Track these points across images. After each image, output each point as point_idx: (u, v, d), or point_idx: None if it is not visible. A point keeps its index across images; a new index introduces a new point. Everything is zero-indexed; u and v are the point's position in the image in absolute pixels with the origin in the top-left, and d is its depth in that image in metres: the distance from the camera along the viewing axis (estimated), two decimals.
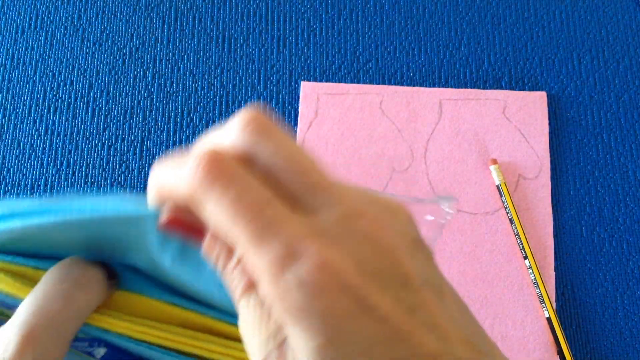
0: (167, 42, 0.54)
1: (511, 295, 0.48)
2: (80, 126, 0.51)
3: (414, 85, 0.53)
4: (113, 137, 0.51)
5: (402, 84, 0.53)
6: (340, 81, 0.53)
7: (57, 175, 0.50)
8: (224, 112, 0.52)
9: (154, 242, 0.25)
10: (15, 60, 0.53)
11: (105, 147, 0.51)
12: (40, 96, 0.52)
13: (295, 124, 0.51)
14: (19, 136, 0.51)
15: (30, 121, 0.51)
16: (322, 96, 0.52)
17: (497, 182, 0.50)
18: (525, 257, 0.48)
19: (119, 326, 0.27)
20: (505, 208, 0.49)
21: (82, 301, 0.27)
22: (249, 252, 0.18)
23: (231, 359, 0.28)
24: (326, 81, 0.53)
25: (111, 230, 0.25)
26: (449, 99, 0.53)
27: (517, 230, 0.48)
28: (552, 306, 0.47)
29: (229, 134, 0.19)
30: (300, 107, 0.52)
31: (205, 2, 0.56)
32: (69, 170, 0.50)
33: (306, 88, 0.52)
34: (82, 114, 0.52)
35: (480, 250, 0.49)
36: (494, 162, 0.50)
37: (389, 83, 0.53)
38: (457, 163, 0.51)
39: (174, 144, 0.51)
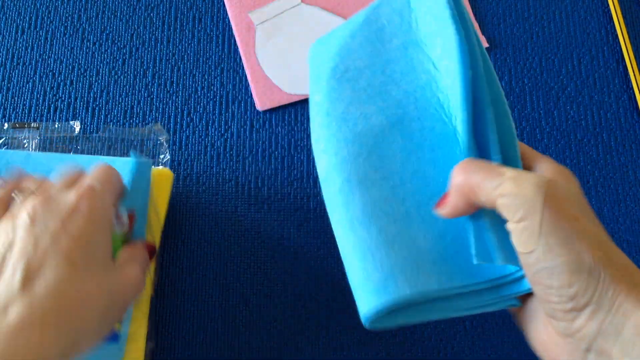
0: (167, 42, 0.54)
1: None
2: (80, 126, 0.51)
3: None
4: (113, 137, 0.51)
5: None
6: None
7: None
8: (224, 112, 0.52)
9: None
10: (15, 60, 0.53)
11: (105, 147, 0.51)
12: (40, 96, 0.52)
13: None
14: (19, 137, 0.51)
15: (30, 121, 0.51)
16: None
17: None
18: None
19: None
20: None
21: None
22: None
23: None
24: None
25: None
26: None
27: None
28: None
29: None
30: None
31: (205, 2, 0.56)
32: None
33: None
34: (82, 114, 0.52)
35: None
36: None
37: None
38: None
39: (174, 144, 0.51)
